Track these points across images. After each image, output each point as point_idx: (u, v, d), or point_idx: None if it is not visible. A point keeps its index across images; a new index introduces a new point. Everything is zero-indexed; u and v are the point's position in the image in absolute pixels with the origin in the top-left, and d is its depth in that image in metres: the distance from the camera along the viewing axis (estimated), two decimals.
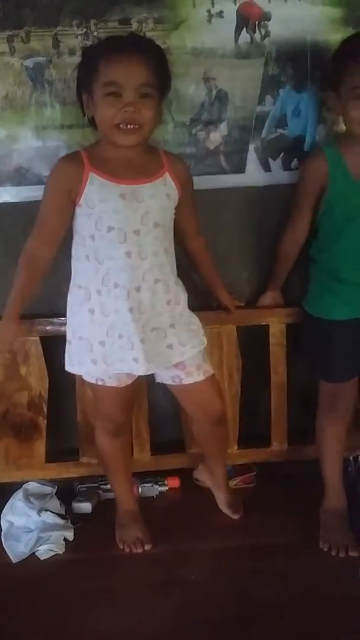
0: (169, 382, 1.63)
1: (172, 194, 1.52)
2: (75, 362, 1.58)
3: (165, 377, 1.62)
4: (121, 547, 1.69)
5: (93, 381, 1.59)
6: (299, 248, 1.78)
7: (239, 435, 1.94)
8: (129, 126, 1.42)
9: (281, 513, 1.79)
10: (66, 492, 1.86)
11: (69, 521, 1.76)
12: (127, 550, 1.68)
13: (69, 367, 1.60)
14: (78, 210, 1.48)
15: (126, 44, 1.43)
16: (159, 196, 1.49)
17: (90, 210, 1.46)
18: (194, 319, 1.61)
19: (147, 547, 1.68)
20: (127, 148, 1.46)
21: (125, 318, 1.50)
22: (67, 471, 1.90)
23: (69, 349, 1.59)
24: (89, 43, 1.72)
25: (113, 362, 1.53)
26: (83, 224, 1.48)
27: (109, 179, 1.45)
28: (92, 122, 1.50)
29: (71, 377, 1.85)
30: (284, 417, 1.92)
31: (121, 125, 1.42)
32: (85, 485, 1.90)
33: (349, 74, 1.56)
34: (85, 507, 1.84)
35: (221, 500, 1.81)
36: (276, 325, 1.87)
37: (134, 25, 1.72)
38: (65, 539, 1.72)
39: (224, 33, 1.75)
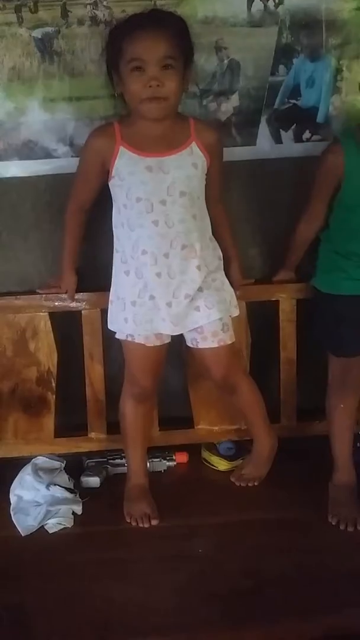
0: (189, 344, 1.70)
1: (199, 162, 1.58)
2: (113, 320, 1.68)
3: (187, 339, 1.69)
4: (128, 521, 1.70)
5: (124, 337, 1.66)
6: (314, 235, 1.76)
7: None
8: (156, 100, 1.49)
9: (290, 488, 1.79)
10: (75, 467, 1.86)
11: (78, 495, 1.77)
12: (134, 524, 1.69)
13: (109, 324, 1.70)
14: (112, 181, 1.58)
15: (147, 20, 1.50)
16: (185, 166, 1.56)
17: (121, 182, 1.56)
18: (227, 287, 1.68)
19: (154, 522, 1.69)
20: (156, 120, 1.52)
21: (154, 282, 1.59)
22: (75, 446, 1.91)
23: (110, 308, 1.69)
24: (98, 13, 1.69)
25: (142, 322, 1.62)
26: (117, 194, 1.59)
27: (137, 152, 1.54)
28: (123, 99, 1.57)
29: (80, 352, 1.86)
30: (294, 393, 1.92)
31: (149, 99, 1.49)
32: (94, 460, 1.90)
33: None
34: (94, 481, 1.84)
35: (267, 447, 1.82)
36: (286, 301, 1.86)
37: None
38: (73, 513, 1.73)
39: (236, 1, 1.71)
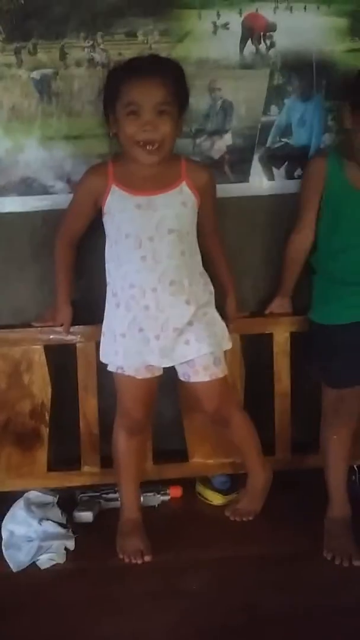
0: (180, 378, 1.71)
1: (189, 201, 1.62)
2: (104, 352, 1.70)
3: (179, 372, 1.70)
4: (121, 557, 1.69)
5: (115, 370, 1.68)
6: (305, 253, 1.80)
7: None
8: (148, 147, 1.53)
9: (285, 522, 1.78)
10: (68, 501, 1.85)
11: (70, 530, 1.75)
12: (126, 560, 1.68)
13: (101, 357, 1.72)
14: (104, 218, 1.64)
15: (144, 65, 1.56)
16: (174, 205, 1.60)
17: (112, 218, 1.62)
18: (218, 321, 1.70)
19: (147, 558, 1.67)
20: (147, 165, 1.57)
21: (142, 316, 1.62)
22: (69, 480, 1.90)
23: (102, 341, 1.70)
24: (95, 55, 1.75)
25: (131, 354, 1.64)
26: (109, 230, 1.64)
27: (128, 191, 1.59)
28: (117, 139, 1.61)
29: (74, 386, 1.86)
30: (288, 426, 1.91)
31: (142, 144, 1.53)
32: (87, 495, 1.89)
33: None
34: (87, 516, 1.83)
35: (261, 480, 1.82)
36: (280, 333, 1.87)
37: (140, 38, 1.74)
38: (66, 548, 1.71)
39: (229, 44, 1.77)
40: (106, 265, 1.67)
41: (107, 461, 1.85)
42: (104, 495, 1.88)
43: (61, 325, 1.79)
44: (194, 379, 1.68)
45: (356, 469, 1.88)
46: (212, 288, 1.70)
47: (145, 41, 1.74)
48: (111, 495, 1.87)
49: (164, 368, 1.67)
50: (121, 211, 1.59)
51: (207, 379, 1.67)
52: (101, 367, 1.80)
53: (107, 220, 1.63)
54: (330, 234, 1.74)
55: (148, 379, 1.66)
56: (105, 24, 1.73)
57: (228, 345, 1.71)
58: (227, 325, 1.71)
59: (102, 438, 1.86)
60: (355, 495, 1.79)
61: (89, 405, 1.86)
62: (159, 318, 1.61)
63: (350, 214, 1.70)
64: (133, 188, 1.59)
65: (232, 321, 1.76)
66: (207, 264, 1.71)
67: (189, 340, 1.64)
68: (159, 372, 1.68)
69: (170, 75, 1.55)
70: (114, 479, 1.82)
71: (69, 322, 1.78)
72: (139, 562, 1.66)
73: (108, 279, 1.67)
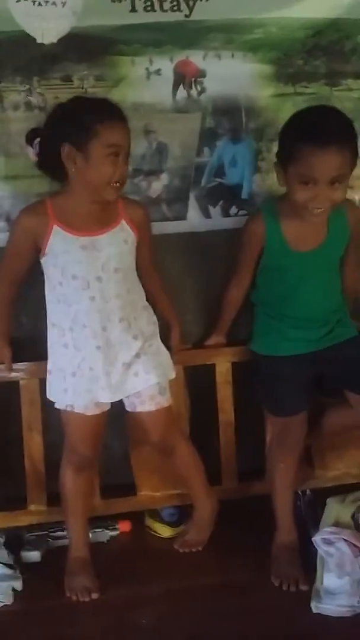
0: (127, 408, 1.73)
1: (129, 238, 1.66)
2: (52, 390, 1.70)
3: (126, 403, 1.72)
4: (68, 595, 1.67)
5: (63, 407, 1.68)
6: (242, 298, 1.87)
7: None
8: (117, 184, 1.58)
9: (233, 551, 1.79)
10: (14, 541, 1.82)
11: (18, 571, 1.72)
12: (74, 598, 1.66)
13: (48, 394, 1.72)
14: (45, 259, 1.63)
15: (119, 111, 1.59)
16: (117, 243, 1.64)
17: (55, 260, 1.61)
18: (163, 351, 1.73)
19: (95, 595, 1.66)
20: (95, 202, 1.60)
21: (94, 355, 1.64)
22: (15, 520, 1.87)
23: (49, 378, 1.71)
24: (32, 99, 1.79)
25: (82, 392, 1.65)
26: (51, 272, 1.64)
27: (71, 231, 1.60)
28: (59, 173, 1.60)
29: (18, 424, 1.85)
30: (233, 455, 1.95)
31: (114, 183, 1.57)
32: (34, 534, 1.86)
33: (297, 157, 1.59)
34: (34, 555, 1.80)
35: (207, 509, 1.83)
36: (222, 364, 1.92)
37: (76, 82, 1.80)
38: (13, 589, 1.68)
39: (162, 89, 1.85)
40: (48, 306, 1.67)
41: (53, 499, 1.84)
42: (51, 534, 1.86)
43: (1, 363, 1.78)
44: (140, 408, 1.70)
45: (300, 494, 1.93)
46: (155, 319, 1.74)
47: (81, 86, 1.80)
48: (59, 533, 1.85)
49: (112, 402, 1.69)
50: (65, 252, 1.60)
51: (153, 408, 1.70)
52: (45, 404, 1.81)
53: (47, 261, 1.62)
54: (269, 284, 1.80)
55: (96, 415, 1.68)
56: (41, 69, 1.78)
57: (172, 374, 1.75)
58: (171, 357, 1.75)
59: (48, 475, 1.86)
60: (300, 521, 1.83)
61: (33, 443, 1.85)
62: (109, 355, 1.64)
63: (288, 271, 1.76)
64: (75, 228, 1.60)
65: (177, 353, 1.81)
66: (148, 299, 1.75)
67: (138, 372, 1.67)
68: (107, 407, 1.70)
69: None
70: (61, 517, 1.81)
71: (9, 359, 1.78)
72: (87, 599, 1.65)
73: (53, 320, 1.67)
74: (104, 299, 1.62)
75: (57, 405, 1.69)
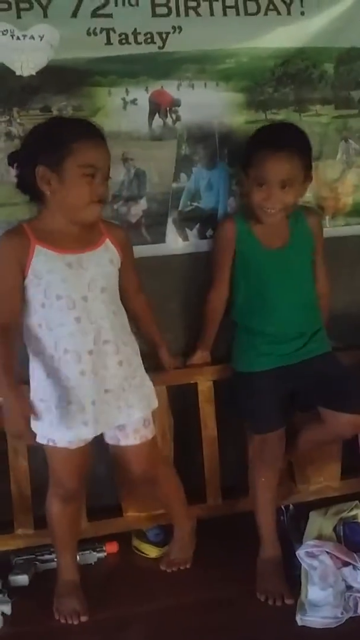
0: (108, 441, 1.72)
1: (114, 258, 1.64)
2: (34, 423, 1.58)
3: (107, 436, 1.70)
4: (57, 618, 1.67)
5: (45, 442, 1.61)
6: (222, 307, 1.92)
7: None
8: (97, 202, 1.55)
9: (220, 568, 1.82)
10: (2, 565, 1.83)
11: (6, 595, 1.73)
12: (62, 621, 1.67)
13: (32, 425, 1.57)
14: (26, 281, 1.54)
15: (96, 130, 1.57)
16: (103, 262, 1.61)
17: (38, 281, 1.54)
18: (147, 382, 1.70)
19: (84, 618, 1.66)
20: (89, 222, 1.57)
21: (77, 382, 1.56)
22: (2, 544, 1.88)
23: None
24: (12, 129, 1.83)
25: (63, 427, 1.58)
26: (33, 294, 1.54)
27: (55, 250, 1.54)
28: (37, 195, 1.56)
29: (4, 449, 1.87)
30: (217, 472, 1.98)
31: (97, 200, 1.54)
32: (22, 558, 1.87)
33: (254, 161, 1.78)
34: (22, 579, 1.81)
35: (187, 528, 1.85)
36: (204, 382, 1.96)
37: (55, 113, 1.84)
38: (2, 614, 1.68)
39: (138, 118, 1.90)
40: (27, 334, 1.58)
41: (40, 522, 1.85)
42: (39, 557, 1.87)
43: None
44: (123, 442, 1.68)
45: (283, 509, 1.96)
46: (138, 348, 1.69)
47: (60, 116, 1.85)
48: (46, 557, 1.87)
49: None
50: (50, 272, 1.53)
51: (137, 442, 1.67)
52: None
53: (30, 283, 1.53)
54: (244, 290, 1.87)
55: (80, 447, 1.62)
56: (20, 100, 1.82)
57: (156, 403, 1.71)
58: (162, 373, 1.74)
59: (35, 499, 1.87)
60: (284, 535, 1.86)
61: (19, 468, 1.87)
62: (95, 382, 1.57)
63: (261, 271, 1.85)
64: (59, 247, 1.54)
65: (170, 368, 1.83)
66: (135, 322, 1.76)
67: (120, 406, 1.63)
68: (92, 438, 1.65)
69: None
70: (49, 540, 1.82)
71: (27, 416, 1.52)
72: (75, 622, 1.66)
73: (33, 348, 1.58)
74: (89, 320, 1.56)
75: (38, 440, 1.59)
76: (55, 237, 1.55)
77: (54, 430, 1.59)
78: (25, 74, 1.80)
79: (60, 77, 1.82)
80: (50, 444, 1.61)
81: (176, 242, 1.98)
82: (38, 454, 1.85)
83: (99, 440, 1.75)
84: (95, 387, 1.59)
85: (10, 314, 1.55)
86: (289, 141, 1.77)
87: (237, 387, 1.89)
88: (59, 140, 1.51)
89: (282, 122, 1.94)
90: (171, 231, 1.97)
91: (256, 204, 1.80)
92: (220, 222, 1.93)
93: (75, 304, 1.55)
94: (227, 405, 1.94)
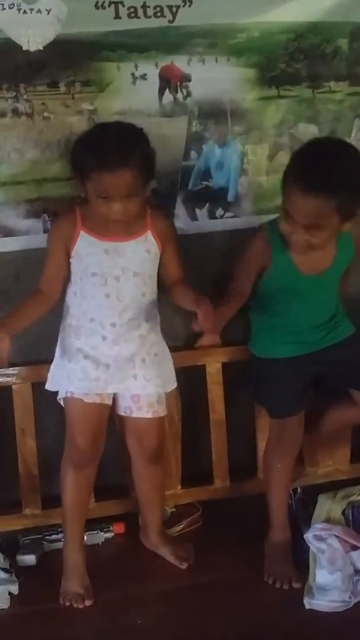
0: (121, 412, 1.75)
1: (152, 249, 1.72)
2: (53, 379, 1.74)
3: (120, 406, 1.75)
4: (61, 602, 1.67)
5: (64, 395, 1.70)
6: (240, 305, 1.78)
7: (182, 475, 1.97)
8: (114, 221, 1.63)
9: (227, 550, 1.81)
10: (10, 545, 1.83)
11: (13, 574, 1.73)
12: (67, 604, 1.67)
13: (48, 385, 1.75)
14: (71, 260, 1.70)
15: (114, 157, 1.56)
16: (139, 251, 1.69)
17: (79, 259, 1.69)
18: (167, 363, 1.76)
19: (88, 602, 1.67)
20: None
21: (97, 345, 1.68)
22: (10, 524, 1.88)
23: (52, 369, 1.74)
24: (19, 105, 1.80)
25: (74, 379, 1.68)
26: (75, 268, 1.71)
27: (96, 236, 1.67)
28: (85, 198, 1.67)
29: (11, 428, 1.86)
30: (225, 454, 1.97)
31: (111, 222, 1.63)
32: (29, 537, 1.87)
33: (287, 196, 1.59)
34: (30, 559, 1.81)
35: (166, 554, 1.83)
36: (212, 364, 1.94)
37: (62, 89, 1.81)
38: (10, 593, 1.69)
39: (148, 94, 1.86)
40: (66, 300, 1.73)
41: (48, 502, 1.86)
42: (46, 537, 1.88)
43: None
44: (136, 414, 1.73)
45: (292, 492, 1.95)
46: (159, 330, 1.76)
47: (68, 92, 1.82)
48: (54, 537, 1.87)
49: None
50: (89, 255, 1.67)
51: (149, 415, 1.73)
52: (39, 407, 1.82)
53: (74, 261, 1.70)
54: (270, 298, 1.78)
55: (97, 405, 1.68)
56: (27, 75, 1.79)
57: (173, 385, 1.77)
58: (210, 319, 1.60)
59: (42, 479, 1.87)
60: (292, 518, 1.85)
61: (27, 447, 1.86)
62: (113, 349, 1.68)
63: (296, 293, 1.75)
64: (101, 234, 1.67)
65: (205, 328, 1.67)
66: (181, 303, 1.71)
67: (137, 375, 1.70)
68: (109, 401, 1.71)
69: (139, 162, 1.58)
70: (56, 520, 1.82)
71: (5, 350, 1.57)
72: (80, 607, 1.66)
73: (66, 313, 1.72)
74: (118, 298, 1.68)
75: (59, 396, 1.70)
76: (99, 225, 1.67)
77: (69, 383, 1.68)
78: (33, 48, 1.77)
79: (68, 51, 1.79)
80: (69, 395, 1.68)
81: (185, 222, 1.94)
82: (46, 435, 1.85)
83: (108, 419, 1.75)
84: (113, 354, 1.68)
85: (50, 283, 1.70)
86: (321, 181, 1.52)
87: (256, 370, 1.85)
88: (80, 164, 1.62)
89: (322, 151, 1.61)
90: (180, 210, 1.94)
91: (285, 235, 1.66)
92: (255, 237, 1.75)
93: (107, 281, 1.68)
94: (240, 388, 1.91)
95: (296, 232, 1.63)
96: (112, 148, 1.57)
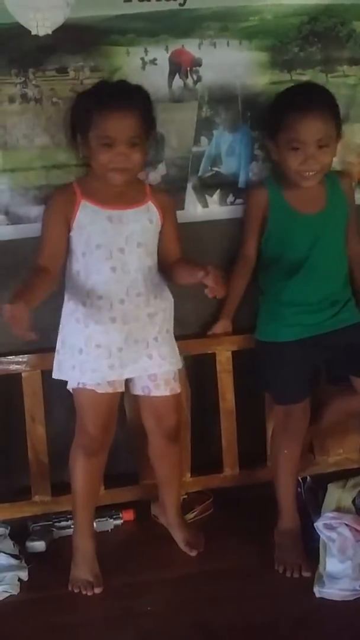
0: (139, 392, 1.75)
1: (154, 218, 1.71)
2: (62, 369, 1.70)
3: (137, 387, 1.75)
4: (70, 588, 1.68)
5: (75, 385, 1.68)
6: (249, 276, 1.88)
7: (192, 463, 1.96)
8: (116, 170, 1.62)
9: (237, 538, 1.82)
10: (20, 532, 1.84)
11: (23, 561, 1.75)
12: (76, 591, 1.67)
13: (56, 374, 1.72)
14: (72, 233, 1.67)
15: (117, 97, 1.62)
16: (142, 220, 1.69)
17: (81, 231, 1.66)
18: (174, 340, 1.76)
19: (97, 590, 1.67)
20: (119, 185, 1.65)
21: (106, 328, 1.65)
22: (19, 511, 1.89)
23: (57, 357, 1.71)
24: (28, 91, 1.79)
25: (90, 369, 1.65)
26: (76, 243, 1.67)
27: (98, 205, 1.66)
28: (85, 159, 1.70)
29: (21, 415, 1.87)
30: (234, 442, 1.96)
31: (111, 171, 1.63)
32: (39, 524, 1.88)
33: (286, 125, 1.73)
34: (39, 545, 1.82)
35: (178, 538, 1.83)
36: (222, 353, 1.93)
37: (72, 74, 1.79)
38: (19, 579, 1.70)
39: (158, 79, 1.83)
40: (67, 282, 1.69)
41: (58, 489, 1.86)
42: (56, 524, 1.88)
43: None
44: (155, 392, 1.73)
45: (301, 480, 1.94)
46: (171, 305, 1.75)
47: (77, 77, 1.80)
48: (63, 524, 1.87)
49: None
50: (92, 224, 1.65)
51: (167, 393, 1.73)
52: (48, 395, 1.82)
53: (74, 235, 1.66)
54: (277, 258, 1.82)
55: (109, 394, 1.68)
56: (36, 60, 1.77)
57: (181, 363, 1.78)
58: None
59: (52, 466, 1.87)
60: (301, 507, 1.84)
61: (37, 434, 1.87)
62: (123, 330, 1.66)
63: (295, 237, 1.80)
64: (103, 202, 1.66)
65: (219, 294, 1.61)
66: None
67: (152, 354, 1.69)
68: (121, 388, 1.71)
69: (141, 108, 1.64)
70: (65, 507, 1.82)
71: (26, 319, 1.45)
72: (89, 594, 1.66)
73: (69, 295, 1.69)
74: (124, 271, 1.65)
75: (69, 385, 1.69)
76: (101, 194, 1.66)
77: (81, 374, 1.66)
78: (41, 33, 1.75)
79: (77, 36, 1.76)
80: (80, 386, 1.67)
81: (195, 209, 1.92)
82: (55, 422, 1.85)
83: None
84: (124, 336, 1.66)
85: (50, 259, 1.65)
86: (318, 100, 1.74)
87: (262, 357, 1.85)
88: (83, 109, 1.62)
89: (304, 83, 1.87)
90: (190, 197, 1.92)
91: (293, 170, 1.75)
92: (251, 188, 1.88)
93: (112, 254, 1.65)
94: (249, 375, 1.91)
95: (308, 157, 1.72)
96: (115, 91, 1.64)
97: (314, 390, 1.85)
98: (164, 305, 1.74)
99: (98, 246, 1.65)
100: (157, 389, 1.72)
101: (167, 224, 1.74)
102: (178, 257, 1.76)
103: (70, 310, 1.69)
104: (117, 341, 1.66)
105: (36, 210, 1.82)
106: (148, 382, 1.72)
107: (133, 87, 1.69)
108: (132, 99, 1.63)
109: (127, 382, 1.74)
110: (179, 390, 1.76)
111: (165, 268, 1.74)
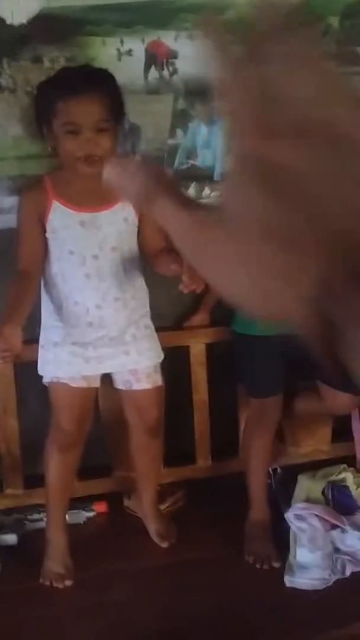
0: (121, 386, 1.75)
1: (130, 217, 1.65)
2: (41, 364, 1.69)
3: (118, 381, 1.74)
4: (41, 581, 1.68)
5: (49, 380, 1.67)
6: None
7: (165, 454, 1.97)
8: (89, 161, 1.53)
9: (209, 528, 1.83)
10: None
11: None
12: (47, 584, 1.67)
13: (39, 369, 1.70)
14: (47, 234, 1.62)
15: (80, 81, 1.53)
16: (117, 222, 1.63)
17: (55, 235, 1.61)
18: (154, 334, 1.74)
19: (68, 582, 1.67)
20: (89, 177, 1.55)
21: (83, 329, 1.64)
22: None
23: (40, 352, 1.70)
24: (2, 81, 1.76)
25: (64, 362, 1.64)
26: (52, 245, 1.63)
27: (70, 207, 1.59)
28: (54, 151, 1.61)
29: None
30: (207, 434, 1.98)
31: (83, 159, 1.53)
32: (11, 517, 1.87)
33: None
34: (11, 538, 1.82)
35: (151, 529, 1.83)
36: (196, 345, 1.94)
37: (46, 64, 1.77)
38: None
39: (133, 70, 1.83)
40: (46, 280, 1.65)
41: (30, 482, 1.85)
42: (28, 517, 1.88)
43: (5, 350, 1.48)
44: (136, 386, 1.72)
45: (271, 472, 1.96)
46: (147, 302, 1.73)
47: (52, 67, 1.78)
48: (35, 517, 1.87)
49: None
50: (65, 228, 1.59)
51: (149, 386, 1.72)
52: (22, 387, 1.81)
53: (49, 237, 1.61)
54: None
55: (84, 389, 1.67)
56: (10, 50, 1.75)
57: (162, 356, 1.76)
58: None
59: (25, 459, 1.86)
60: (272, 498, 1.87)
61: (9, 426, 1.86)
62: (100, 332, 1.65)
63: None
64: (75, 203, 1.59)
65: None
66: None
67: (130, 351, 1.68)
68: (96, 383, 1.70)
69: (107, 90, 1.55)
70: (38, 500, 1.82)
71: (18, 343, 1.47)
72: (60, 586, 1.66)
73: (48, 295, 1.66)
74: (99, 278, 1.62)
75: (44, 379, 1.67)
76: (73, 192, 1.59)
77: (56, 368, 1.65)
78: (16, 22, 1.73)
79: (53, 26, 1.75)
80: (55, 380, 1.66)
81: None
82: (28, 414, 1.84)
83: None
84: (101, 335, 1.65)
85: (30, 262, 1.60)
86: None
87: (237, 349, 1.86)
88: (45, 97, 1.55)
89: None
90: None
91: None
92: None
93: (85, 260, 1.61)
94: (223, 368, 1.92)
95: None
96: (77, 75, 1.56)
97: (287, 385, 1.86)
98: (142, 303, 1.72)
99: (71, 252, 1.60)
100: (138, 383, 1.72)
101: (144, 219, 1.65)
102: (161, 245, 1.66)
103: (48, 311, 1.67)
104: (93, 340, 1.65)
105: (10, 201, 1.80)
106: (129, 376, 1.71)
107: (96, 70, 1.62)
108: (96, 82, 1.54)
109: (108, 376, 1.73)
110: (160, 383, 1.74)
111: (150, 257, 1.70)
